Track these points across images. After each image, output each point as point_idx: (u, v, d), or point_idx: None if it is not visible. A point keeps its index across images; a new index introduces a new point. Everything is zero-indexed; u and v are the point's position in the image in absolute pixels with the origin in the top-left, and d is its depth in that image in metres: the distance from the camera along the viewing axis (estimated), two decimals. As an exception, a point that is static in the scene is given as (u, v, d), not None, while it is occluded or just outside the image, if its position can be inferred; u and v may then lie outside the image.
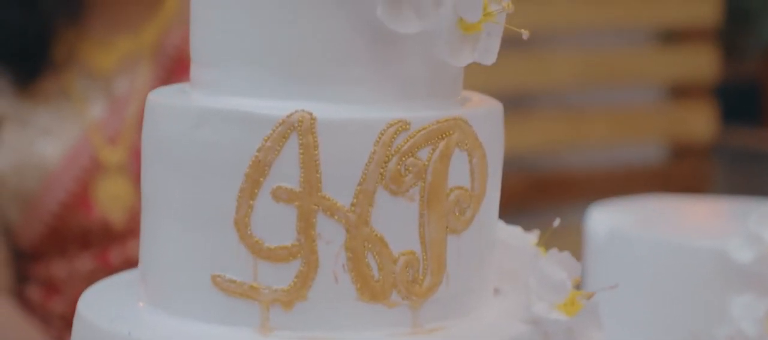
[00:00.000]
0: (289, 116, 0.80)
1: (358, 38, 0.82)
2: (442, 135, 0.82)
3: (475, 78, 2.27)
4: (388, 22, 0.80)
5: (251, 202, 0.80)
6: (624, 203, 1.27)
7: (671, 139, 2.47)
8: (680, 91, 2.45)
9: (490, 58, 0.86)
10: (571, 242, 2.37)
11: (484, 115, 0.86)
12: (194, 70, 0.87)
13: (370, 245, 0.80)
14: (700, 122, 2.43)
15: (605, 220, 1.18)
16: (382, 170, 0.80)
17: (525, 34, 0.85)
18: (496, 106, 0.89)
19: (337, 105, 0.81)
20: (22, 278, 1.53)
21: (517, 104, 2.37)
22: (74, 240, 1.50)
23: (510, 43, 2.31)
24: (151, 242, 0.85)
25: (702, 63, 2.42)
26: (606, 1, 2.37)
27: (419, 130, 0.81)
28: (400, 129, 0.81)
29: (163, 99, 0.85)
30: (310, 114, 0.80)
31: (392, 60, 0.83)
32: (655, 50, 2.46)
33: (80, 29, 1.53)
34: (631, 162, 2.45)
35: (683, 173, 2.45)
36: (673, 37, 2.44)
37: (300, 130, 0.80)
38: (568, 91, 2.41)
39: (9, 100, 1.51)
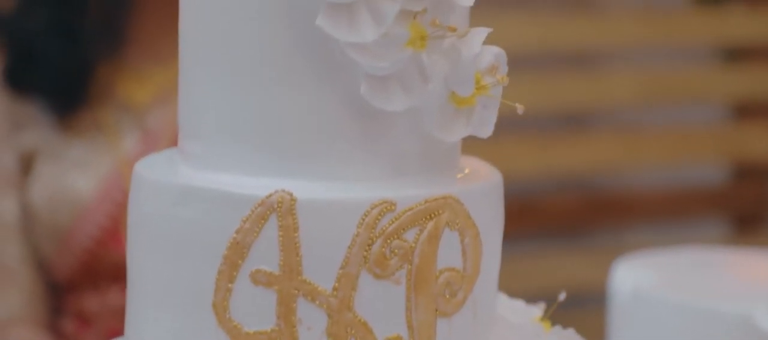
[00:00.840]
0: (268, 197, 0.77)
1: (342, 114, 0.79)
2: (430, 215, 0.79)
3: (533, 96, 2.24)
4: (372, 101, 0.77)
5: (230, 285, 0.78)
6: (653, 258, 1.22)
7: (733, 159, 2.41)
8: (742, 111, 2.39)
9: (485, 132, 0.82)
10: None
11: (479, 191, 0.83)
12: (181, 140, 0.85)
13: (353, 331, 0.78)
14: (763, 142, 2.36)
15: (630, 277, 1.14)
16: (365, 253, 0.77)
17: (520, 108, 0.81)
18: (493, 179, 0.86)
19: (321, 183, 0.79)
20: (56, 310, 1.53)
21: (573, 123, 2.32)
22: (106, 274, 1.49)
23: (567, 60, 2.26)
24: (132, 320, 0.83)
25: (765, 81, 2.35)
26: (666, 19, 2.31)
27: (405, 211, 0.78)
28: (384, 210, 0.78)
29: (148, 173, 0.83)
30: (290, 194, 0.77)
31: (379, 136, 0.80)
32: (717, 68, 2.40)
33: (117, 62, 1.52)
34: (691, 183, 2.40)
35: (745, 194, 2.39)
36: (735, 55, 2.38)
37: (279, 211, 0.77)
38: (626, 110, 2.36)
39: (44, 133, 1.51)
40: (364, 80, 0.77)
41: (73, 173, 1.49)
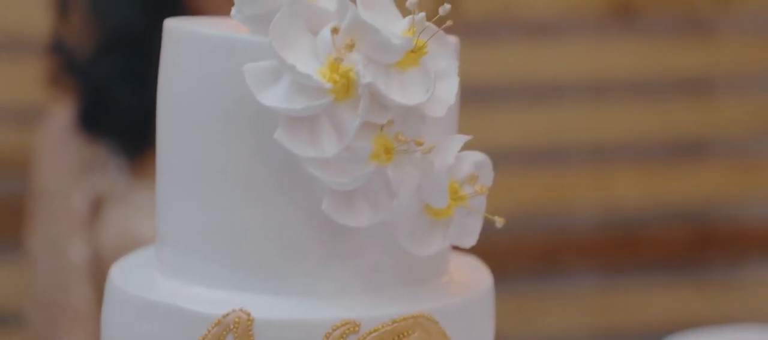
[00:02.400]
0: (225, 316, 0.74)
1: (307, 228, 0.75)
2: (398, 336, 0.75)
3: (642, 123, 2.16)
4: (336, 217, 0.74)
5: (187, 403, 0.75)
6: (712, 333, 1.15)
7: None
8: None
9: (468, 242, 0.78)
10: (745, 297, 2.23)
11: (459, 307, 0.78)
12: (157, 245, 0.82)
13: None
14: None
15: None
16: (326, 377, 0.74)
17: (499, 222, 0.76)
18: (479, 290, 0.81)
19: (285, 299, 0.75)
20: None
21: (684, 151, 2.24)
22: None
23: (678, 87, 2.17)
24: None
25: None
26: (783, 45, 2.21)
27: (371, 333, 0.74)
28: (347, 331, 0.74)
29: (118, 279, 0.80)
30: (248, 314, 0.74)
31: (348, 250, 0.76)
32: (838, 96, 2.29)
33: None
34: (810, 216, 2.29)
35: None
36: None
37: (236, 332, 0.74)
38: (740, 138, 2.26)
39: (114, 177, 1.51)
40: (327, 195, 0.73)
41: (138, 217, 1.49)
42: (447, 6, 0.74)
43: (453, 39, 0.80)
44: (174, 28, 0.79)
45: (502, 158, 2.18)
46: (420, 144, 0.73)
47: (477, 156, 0.77)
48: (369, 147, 0.73)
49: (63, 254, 1.52)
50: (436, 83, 0.74)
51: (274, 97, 0.72)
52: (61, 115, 1.54)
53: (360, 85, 0.71)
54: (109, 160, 1.51)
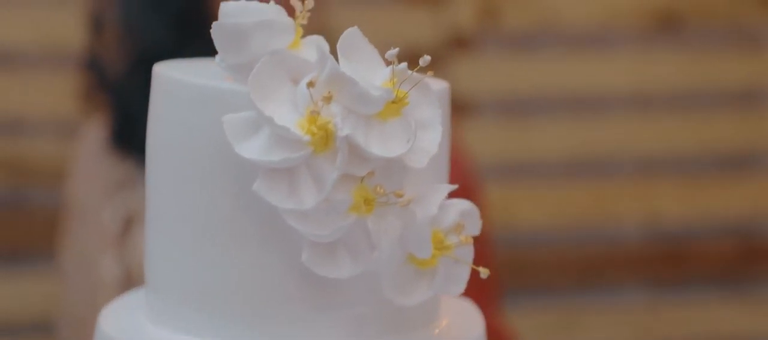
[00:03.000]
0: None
1: (290, 279, 0.75)
2: (381, 388, 0.74)
3: (689, 136, 2.13)
4: (316, 269, 0.73)
5: None
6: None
7: None
8: None
9: (455, 291, 0.77)
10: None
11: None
12: (146, 290, 0.82)
13: None
14: None
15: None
16: None
17: (483, 273, 0.75)
18: (470, 337, 0.80)
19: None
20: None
21: (733, 164, 2.21)
22: None
23: (726, 99, 2.14)
24: None
25: None
26: (833, 57, 2.18)
27: (353, 384, 0.74)
28: (330, 383, 0.74)
29: (107, 326, 0.80)
30: (230, 365, 0.74)
31: (331, 301, 0.75)
32: None
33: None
34: None
35: None
36: None
37: (218, 383, 0.74)
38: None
39: (143, 195, 1.52)
40: (306, 247, 0.73)
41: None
42: (427, 57, 0.74)
43: (440, 86, 0.79)
44: (160, 74, 0.79)
45: (545, 170, 2.17)
46: (400, 196, 0.72)
47: (463, 205, 0.77)
48: (348, 199, 0.72)
49: (94, 270, 1.53)
50: (418, 133, 0.74)
51: (253, 148, 0.72)
52: (94, 131, 1.55)
53: (338, 137, 0.71)
54: (140, 178, 1.52)
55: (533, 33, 2.11)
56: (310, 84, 0.71)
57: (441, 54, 2.07)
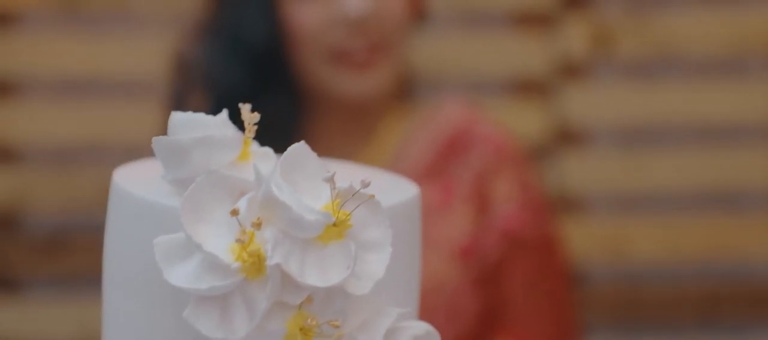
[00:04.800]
0: None
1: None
2: None
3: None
4: None
5: None
6: None
7: None
8: None
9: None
10: None
11: None
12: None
13: None
14: None
15: None
16: None
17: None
18: None
19: None
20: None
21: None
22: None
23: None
24: None
25: None
26: None
27: None
28: None
29: None
30: None
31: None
32: None
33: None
34: None
35: None
36: None
37: None
38: None
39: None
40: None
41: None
42: (367, 179, 0.69)
43: (411, 190, 0.75)
44: (115, 182, 0.77)
45: (663, 203, 2.09)
46: (336, 326, 0.68)
47: (418, 328, 0.72)
48: (282, 329, 0.69)
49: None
50: (363, 256, 0.69)
51: (182, 275, 0.69)
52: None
53: (268, 265, 0.67)
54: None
55: (651, 60, 2.03)
56: (234, 212, 0.67)
57: (552, 81, 2.00)
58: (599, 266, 2.03)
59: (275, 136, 1.47)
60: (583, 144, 2.02)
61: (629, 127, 2.03)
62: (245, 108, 0.73)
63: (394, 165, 1.48)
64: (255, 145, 0.75)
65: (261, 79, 1.48)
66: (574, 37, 2.00)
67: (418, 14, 1.54)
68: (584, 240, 2.01)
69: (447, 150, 1.50)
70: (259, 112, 1.51)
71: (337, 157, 1.48)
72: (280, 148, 1.47)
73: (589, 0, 2.01)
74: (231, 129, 0.72)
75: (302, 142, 0.72)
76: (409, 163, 1.48)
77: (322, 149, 1.47)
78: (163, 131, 0.71)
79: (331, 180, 0.69)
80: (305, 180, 0.70)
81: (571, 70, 2.01)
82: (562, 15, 2.00)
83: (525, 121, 2.00)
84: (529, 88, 2.00)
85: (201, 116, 0.72)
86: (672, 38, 2.02)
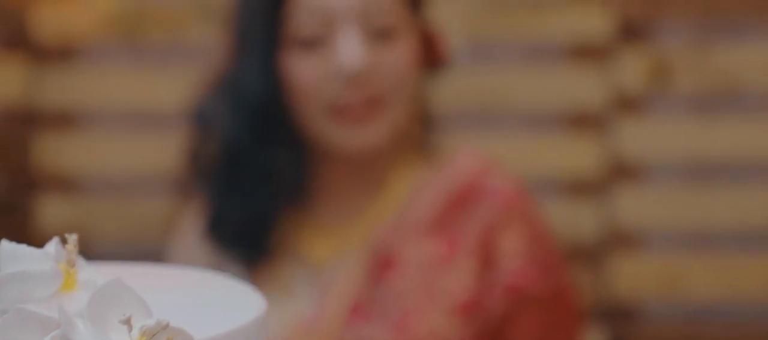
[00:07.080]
0: None
1: None
2: None
3: None
4: None
5: None
6: None
7: None
8: None
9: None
10: None
11: None
12: None
13: None
14: None
15: None
16: None
17: None
18: None
19: None
20: None
21: None
22: None
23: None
24: None
25: None
26: None
27: None
28: None
29: None
30: None
31: None
32: None
33: (302, 217, 1.52)
34: None
35: None
36: None
37: None
38: None
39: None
40: None
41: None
42: (164, 320, 0.70)
43: (254, 311, 0.76)
44: None
45: (726, 239, 2.04)
46: None
47: None
48: None
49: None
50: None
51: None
52: (192, 219, 1.58)
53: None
54: (230, 268, 1.54)
55: (712, 94, 1.98)
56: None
57: (608, 115, 1.97)
58: (654, 303, 2.00)
59: (286, 188, 1.50)
60: (639, 179, 1.99)
61: (688, 162, 1.99)
62: (72, 239, 0.75)
63: (401, 217, 1.48)
64: (87, 273, 0.77)
65: (265, 133, 1.50)
66: (631, 70, 1.97)
67: (433, 63, 1.54)
68: (639, 276, 1.98)
69: (455, 202, 1.49)
70: (267, 166, 1.53)
71: (347, 208, 1.51)
72: (291, 201, 1.50)
73: (647, 33, 1.97)
74: (50, 262, 0.74)
75: (117, 278, 0.73)
76: (416, 215, 1.48)
77: (331, 201, 1.50)
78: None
79: (127, 322, 0.70)
80: (117, 316, 0.72)
81: (627, 104, 1.97)
82: (618, 48, 1.97)
83: (580, 155, 1.98)
84: (585, 121, 1.98)
85: (24, 248, 0.75)
86: (733, 72, 1.97)
